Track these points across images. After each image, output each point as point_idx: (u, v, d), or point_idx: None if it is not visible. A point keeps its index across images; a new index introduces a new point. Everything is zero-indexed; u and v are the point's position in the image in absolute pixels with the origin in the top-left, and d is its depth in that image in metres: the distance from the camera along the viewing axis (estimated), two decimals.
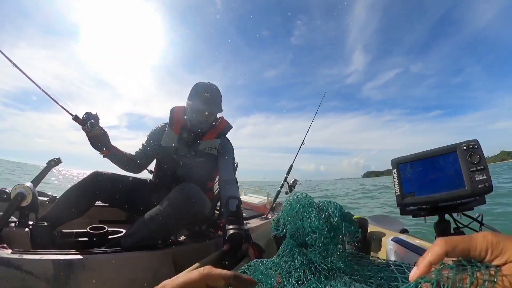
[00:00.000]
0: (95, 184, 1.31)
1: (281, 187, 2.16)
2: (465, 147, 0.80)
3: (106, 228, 1.30)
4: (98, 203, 1.41)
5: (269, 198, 2.82)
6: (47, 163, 1.45)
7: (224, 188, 1.36)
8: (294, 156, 2.30)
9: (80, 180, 1.32)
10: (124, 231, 1.35)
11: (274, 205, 2.27)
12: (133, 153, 1.50)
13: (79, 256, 0.97)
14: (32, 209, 1.13)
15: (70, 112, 1.24)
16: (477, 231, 0.82)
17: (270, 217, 2.11)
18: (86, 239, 1.24)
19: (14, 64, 1.25)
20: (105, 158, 1.37)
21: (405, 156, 0.82)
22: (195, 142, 1.47)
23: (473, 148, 0.80)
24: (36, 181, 1.37)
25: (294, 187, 2.09)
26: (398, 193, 0.78)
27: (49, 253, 0.94)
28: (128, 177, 1.47)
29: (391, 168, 0.81)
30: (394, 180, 0.80)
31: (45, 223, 1.16)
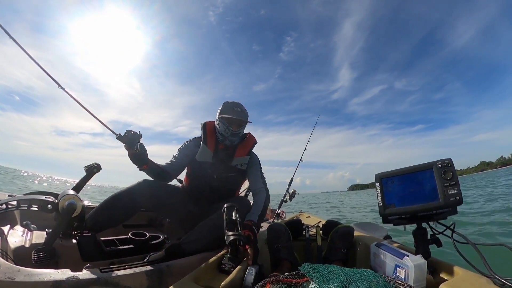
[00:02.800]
0: (145, 192, 1.39)
1: (284, 196, 2.55)
2: (440, 165, 0.94)
3: (147, 234, 1.36)
4: None
5: (270, 205, 3.05)
6: (86, 170, 1.34)
7: (254, 197, 1.54)
8: (294, 171, 2.73)
9: (128, 186, 1.39)
10: (161, 235, 1.45)
11: (279, 211, 2.55)
12: (163, 163, 1.60)
13: (165, 264, 1.02)
14: (81, 220, 1.12)
15: (114, 131, 1.32)
16: (449, 237, 0.95)
17: (276, 221, 2.28)
18: (131, 246, 1.27)
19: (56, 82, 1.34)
20: (142, 171, 1.44)
21: (387, 172, 0.95)
22: (228, 159, 1.60)
23: (447, 166, 0.94)
24: (78, 188, 1.29)
25: (294, 197, 2.53)
26: (381, 204, 0.91)
27: (136, 266, 0.97)
28: (169, 185, 1.60)
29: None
30: (378, 192, 0.93)
31: (90, 233, 1.16)
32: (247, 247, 1.10)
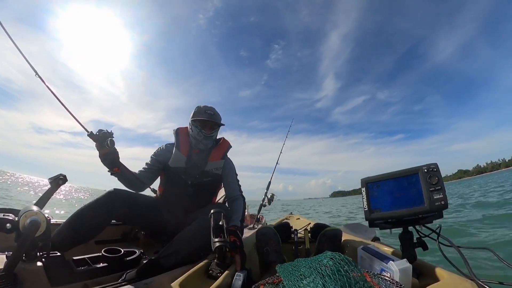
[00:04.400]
0: (114, 202, 1.30)
1: (263, 201, 2.58)
2: (425, 170, 0.95)
3: (122, 250, 1.25)
4: None
5: (248, 211, 3.12)
6: (51, 182, 1.23)
7: (230, 205, 1.51)
8: (271, 174, 2.78)
9: (95, 198, 1.29)
10: (137, 251, 1.35)
11: (258, 216, 2.57)
12: (136, 171, 1.56)
13: (143, 283, 0.93)
14: (46, 239, 0.99)
15: (86, 128, 1.27)
16: (435, 240, 0.96)
17: (256, 227, 2.31)
18: (106, 264, 1.16)
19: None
20: (113, 176, 1.39)
21: (373, 176, 0.96)
22: (202, 164, 1.59)
23: (432, 170, 0.95)
24: (42, 203, 1.15)
25: (273, 200, 2.56)
26: (367, 209, 0.93)
27: (111, 286, 0.90)
28: (140, 194, 1.53)
29: (358, 187, 0.96)
30: (363, 197, 0.94)
31: (58, 253, 1.06)
32: (232, 253, 1.09)
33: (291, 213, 2.69)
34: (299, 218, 2.23)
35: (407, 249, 0.95)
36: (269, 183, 2.70)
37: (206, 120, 1.54)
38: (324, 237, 1.21)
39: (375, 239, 1.28)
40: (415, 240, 0.97)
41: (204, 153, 1.62)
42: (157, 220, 1.49)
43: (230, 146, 1.72)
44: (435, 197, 0.92)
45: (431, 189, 0.92)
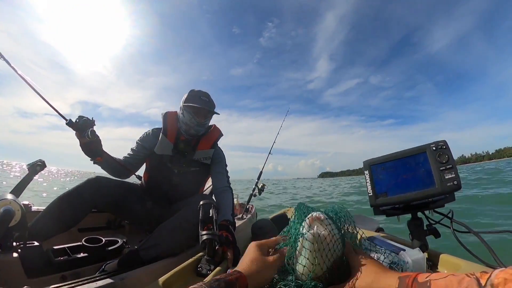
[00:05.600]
0: (96, 190, 1.25)
1: (253, 190, 2.49)
2: (434, 148, 0.84)
3: (103, 239, 1.22)
4: None
5: (238, 200, 2.99)
6: (29, 168, 1.19)
7: (218, 196, 1.40)
8: (263, 164, 2.67)
9: (75, 186, 1.23)
10: (119, 240, 1.30)
11: (248, 206, 2.47)
12: (121, 157, 1.48)
13: (119, 278, 0.87)
14: (23, 228, 0.96)
15: (64, 116, 1.15)
16: (448, 227, 0.86)
17: (245, 217, 2.21)
18: (86, 254, 1.12)
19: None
20: (95, 164, 1.31)
21: (377, 158, 0.85)
22: (190, 152, 1.48)
23: (441, 148, 0.84)
24: (18, 191, 1.14)
25: (263, 190, 2.51)
26: (371, 194, 0.81)
27: (86, 281, 0.84)
28: (124, 182, 1.46)
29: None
30: (367, 181, 0.83)
31: (35, 243, 1.01)
32: (225, 248, 1.01)
33: (289, 207, 2.58)
34: (288, 210, 2.12)
35: (418, 237, 0.84)
36: (260, 173, 2.58)
37: (201, 107, 1.41)
38: None
39: (379, 230, 1.18)
40: (425, 228, 0.86)
41: (193, 141, 1.50)
42: (140, 209, 1.40)
43: (221, 135, 1.60)
44: (447, 176, 0.81)
45: (441, 168, 0.81)
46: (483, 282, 0.32)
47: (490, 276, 0.31)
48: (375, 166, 0.84)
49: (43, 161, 1.22)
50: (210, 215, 1.01)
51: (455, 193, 0.85)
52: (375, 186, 0.82)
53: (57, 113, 1.19)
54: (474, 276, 0.33)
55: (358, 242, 0.73)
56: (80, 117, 1.13)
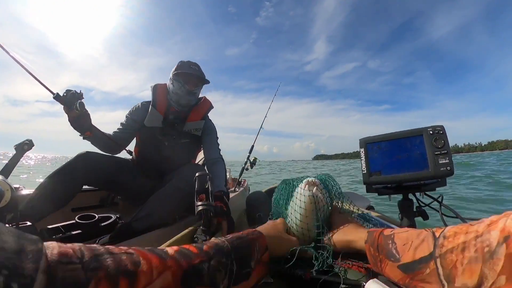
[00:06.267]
0: (87, 165, 1.21)
1: (245, 164, 2.51)
2: (431, 132, 0.85)
3: (97, 216, 1.22)
4: None
5: (230, 174, 3.03)
6: (16, 148, 1.17)
7: (210, 167, 1.39)
8: (255, 138, 2.70)
9: (65, 163, 1.20)
10: (113, 216, 1.30)
11: (240, 179, 2.51)
12: (111, 132, 1.46)
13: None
14: (13, 209, 0.95)
15: (51, 89, 1.11)
16: (437, 211, 0.87)
17: (237, 190, 2.24)
18: (79, 231, 1.12)
19: None
20: (85, 140, 1.30)
21: (373, 136, 0.85)
22: (180, 123, 1.46)
23: (438, 133, 0.84)
24: (7, 171, 1.12)
25: (255, 164, 2.52)
26: (365, 172, 0.82)
27: None
28: (115, 157, 1.44)
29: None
30: (362, 158, 0.83)
31: (28, 223, 1.00)
32: (219, 219, 1.01)
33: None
34: None
35: (407, 217, 0.85)
36: (252, 146, 2.59)
37: (190, 74, 1.40)
38: None
39: (370, 207, 1.19)
40: (414, 209, 0.88)
41: (183, 113, 1.48)
42: (131, 183, 1.39)
43: (212, 107, 1.58)
44: (441, 161, 0.81)
45: (436, 153, 0.82)
46: (437, 234, 0.36)
47: (443, 230, 0.35)
48: (371, 145, 0.84)
49: (31, 140, 1.20)
50: (206, 186, 1.00)
51: (447, 179, 0.87)
52: (370, 164, 0.82)
53: (45, 88, 1.15)
54: (431, 230, 0.38)
55: (351, 214, 0.75)
56: (67, 91, 1.10)
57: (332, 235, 0.60)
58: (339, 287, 0.50)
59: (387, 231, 0.46)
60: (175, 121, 1.46)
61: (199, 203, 0.95)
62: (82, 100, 1.11)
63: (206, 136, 1.51)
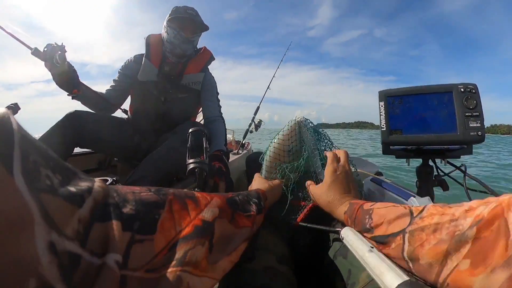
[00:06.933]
0: (76, 126, 1.12)
1: (250, 126, 2.37)
2: (462, 89, 0.71)
3: (94, 179, 1.14)
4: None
5: (234, 137, 2.96)
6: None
7: (209, 126, 1.27)
8: (260, 100, 2.54)
9: (54, 125, 1.11)
10: (109, 179, 1.22)
11: (243, 142, 2.39)
12: (103, 91, 1.33)
13: None
14: None
15: (27, 44, 1.00)
16: (459, 183, 0.76)
17: (241, 152, 2.15)
18: None
19: None
20: (74, 100, 1.18)
21: (395, 89, 0.72)
22: (177, 76, 1.31)
23: (470, 91, 0.71)
24: None
25: (260, 126, 2.37)
26: (384, 129, 0.69)
27: None
28: (107, 116, 1.32)
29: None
30: (381, 114, 0.70)
31: None
32: (217, 180, 0.92)
33: None
34: None
35: (425, 186, 0.74)
36: (257, 108, 2.44)
37: (187, 19, 1.23)
38: None
39: (378, 174, 1.08)
40: (433, 178, 0.76)
41: (180, 64, 1.32)
42: (127, 143, 1.29)
43: (213, 58, 1.41)
44: (471, 125, 0.69)
45: (466, 114, 0.69)
46: (415, 213, 0.34)
47: (422, 209, 0.33)
48: (392, 98, 0.71)
49: (16, 103, 1.09)
50: (200, 143, 0.90)
51: (473, 146, 0.75)
52: (390, 121, 0.70)
53: (21, 43, 1.02)
54: (409, 208, 0.36)
55: (358, 181, 0.65)
56: (48, 45, 0.98)
57: (313, 188, 0.58)
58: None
59: (367, 205, 0.44)
60: (171, 73, 1.31)
61: (191, 161, 0.84)
62: (60, 52, 0.97)
63: (206, 91, 1.36)
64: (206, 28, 1.31)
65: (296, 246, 0.61)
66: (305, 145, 0.64)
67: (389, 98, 0.71)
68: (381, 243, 0.36)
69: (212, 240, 0.30)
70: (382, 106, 0.70)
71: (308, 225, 0.55)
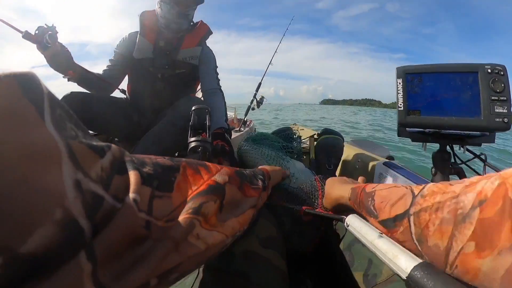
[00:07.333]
0: (73, 108, 1.08)
1: (251, 102, 2.26)
2: (489, 70, 0.65)
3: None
4: None
5: (236, 114, 2.92)
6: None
7: (207, 99, 1.24)
8: (262, 76, 2.42)
9: None
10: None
11: (245, 119, 2.33)
12: (100, 72, 1.29)
13: None
14: None
15: (18, 28, 0.95)
16: (477, 172, 0.71)
17: (243, 130, 2.10)
18: None
19: None
20: (70, 82, 1.15)
21: (414, 65, 0.66)
22: (173, 51, 1.27)
23: (498, 73, 0.65)
24: None
25: (262, 103, 2.25)
26: (401, 108, 0.63)
27: None
28: (104, 96, 1.29)
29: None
30: (398, 92, 0.64)
31: None
32: (220, 159, 0.90)
33: (295, 123, 2.40)
34: (303, 129, 1.92)
35: (441, 173, 0.69)
36: (259, 84, 2.35)
37: None
38: (318, 146, 0.98)
39: (389, 158, 1.03)
40: (450, 166, 0.71)
41: (176, 39, 1.27)
42: (126, 123, 1.27)
43: (210, 32, 1.36)
44: (497, 110, 0.63)
45: (493, 98, 0.63)
46: (416, 192, 0.33)
47: (423, 188, 0.33)
48: (411, 76, 0.65)
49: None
50: (203, 121, 0.87)
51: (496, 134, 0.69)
52: (408, 100, 0.64)
53: (12, 28, 0.96)
54: (411, 188, 0.35)
55: (369, 167, 0.61)
56: (39, 27, 0.95)
57: (320, 199, 0.62)
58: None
59: (369, 188, 0.43)
60: (167, 48, 1.26)
61: (192, 139, 0.81)
62: (50, 32, 0.94)
63: (203, 64, 1.31)
64: (201, 1, 1.25)
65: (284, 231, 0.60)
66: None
67: (408, 75, 0.65)
68: (389, 227, 0.36)
69: (222, 201, 0.31)
70: (400, 83, 0.64)
71: (313, 211, 0.54)
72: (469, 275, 0.25)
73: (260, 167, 0.57)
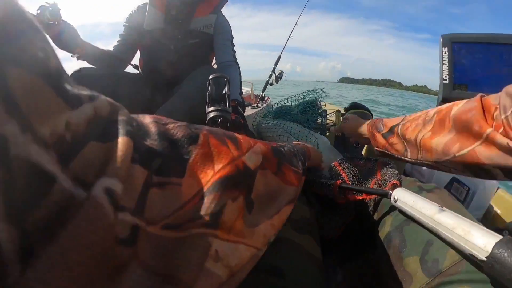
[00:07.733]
0: (82, 85, 1.06)
1: (270, 77, 2.18)
2: None
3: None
4: None
5: (253, 90, 2.84)
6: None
7: (222, 72, 1.19)
8: (281, 49, 2.32)
9: None
10: None
11: (263, 94, 2.27)
12: (111, 49, 1.24)
13: None
14: None
15: None
16: None
17: (260, 106, 2.04)
18: None
19: None
20: (80, 60, 1.10)
21: (463, 34, 0.57)
22: (186, 20, 1.20)
23: None
24: None
25: (281, 78, 2.16)
26: (447, 81, 0.55)
27: None
28: (115, 72, 1.25)
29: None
30: (444, 63, 0.56)
31: None
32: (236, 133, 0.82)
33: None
34: (325, 105, 1.82)
35: None
36: (279, 57, 2.26)
37: None
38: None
39: None
40: None
41: (188, 6, 1.20)
42: (139, 98, 1.21)
43: (226, 0, 1.28)
44: None
45: None
46: (408, 115, 0.47)
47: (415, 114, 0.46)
48: (458, 45, 0.57)
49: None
50: (222, 91, 0.81)
51: None
52: (454, 73, 0.56)
53: None
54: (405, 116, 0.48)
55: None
56: (40, 6, 0.91)
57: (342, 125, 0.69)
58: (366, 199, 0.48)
59: (385, 120, 0.51)
60: (179, 17, 1.19)
61: (211, 108, 0.75)
62: (51, 9, 0.89)
63: (218, 34, 1.24)
64: None
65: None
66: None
67: (455, 45, 0.57)
68: (389, 135, 0.47)
69: (250, 195, 0.22)
70: (445, 53, 0.56)
71: (351, 186, 0.48)
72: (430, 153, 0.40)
73: (295, 142, 0.48)
